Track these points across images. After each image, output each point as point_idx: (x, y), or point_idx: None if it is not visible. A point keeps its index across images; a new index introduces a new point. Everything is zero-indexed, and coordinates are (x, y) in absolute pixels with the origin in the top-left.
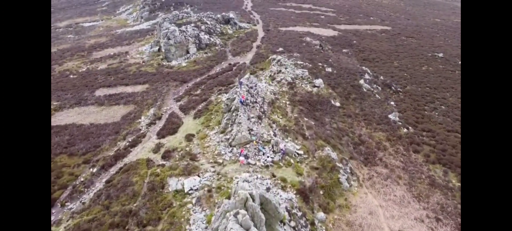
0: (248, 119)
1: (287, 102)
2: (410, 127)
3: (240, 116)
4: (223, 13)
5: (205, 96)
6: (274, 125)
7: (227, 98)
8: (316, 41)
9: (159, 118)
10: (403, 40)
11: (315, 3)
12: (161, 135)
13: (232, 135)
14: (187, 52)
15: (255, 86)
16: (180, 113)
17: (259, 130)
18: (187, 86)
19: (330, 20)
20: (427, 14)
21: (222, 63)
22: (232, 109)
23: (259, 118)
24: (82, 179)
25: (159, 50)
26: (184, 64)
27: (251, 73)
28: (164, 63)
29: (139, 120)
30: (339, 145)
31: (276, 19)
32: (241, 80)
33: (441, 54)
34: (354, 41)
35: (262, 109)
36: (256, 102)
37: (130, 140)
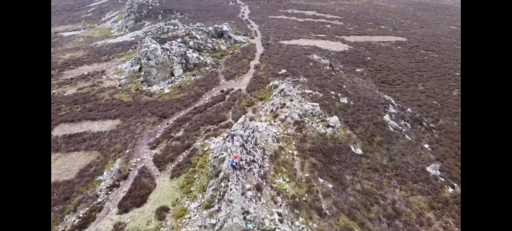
0: (243, 193)
1: (295, 153)
2: (455, 184)
3: (231, 190)
4: (216, 25)
5: (188, 141)
6: (278, 198)
7: (214, 157)
8: (325, 60)
9: (125, 177)
10: (423, 55)
11: (319, 9)
12: (123, 207)
13: (219, 219)
14: (172, 74)
15: (253, 133)
16: (153, 169)
17: (258, 210)
18: (167, 125)
19: (337, 31)
20: (440, 21)
21: (213, 89)
22: (220, 176)
23: (258, 188)
24: None
25: (140, 69)
26: (166, 90)
27: (247, 106)
28: (144, 88)
29: (100, 178)
30: (369, 222)
31: (276, 30)
32: (232, 132)
33: None
34: (368, 58)
35: (261, 172)
36: (253, 161)
37: (81, 215)
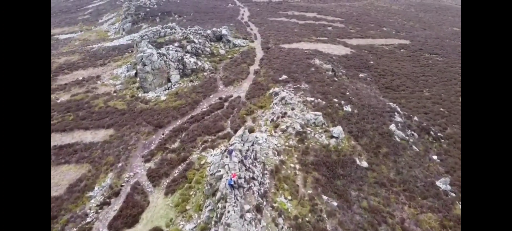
0: (241, 216)
1: (297, 167)
2: None
3: (229, 212)
4: (214, 29)
5: (184, 154)
6: (280, 219)
7: (211, 174)
8: (328, 65)
9: (117, 194)
10: (427, 58)
11: (320, 11)
12: (114, 227)
13: None
14: (168, 80)
15: (252, 147)
16: (147, 185)
17: None
18: (163, 135)
19: (339, 33)
20: (443, 22)
21: (211, 96)
22: (217, 195)
23: (258, 209)
24: None
25: (136, 74)
26: (163, 97)
27: (246, 115)
28: (139, 95)
29: (90, 194)
30: None
31: (277, 33)
32: (230, 148)
33: None
34: (371, 62)
35: (261, 190)
36: (253, 178)
37: None
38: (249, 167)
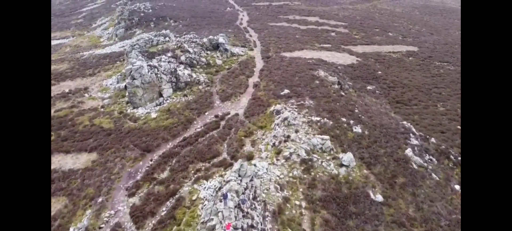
0: None
1: (303, 205)
2: None
3: None
4: (211, 37)
5: (174, 186)
6: None
7: (202, 223)
8: (333, 77)
9: None
10: (438, 67)
11: (322, 15)
12: None
13: None
14: (160, 95)
15: (251, 182)
16: (129, 227)
17: None
18: (151, 161)
19: (343, 40)
20: (449, 26)
21: (206, 113)
22: None
23: None
24: None
25: (126, 87)
26: (153, 114)
27: (245, 137)
28: (128, 111)
29: None
30: None
31: (277, 40)
32: (224, 190)
33: None
34: (379, 72)
35: None
36: (252, 226)
37: None
38: (247, 213)
